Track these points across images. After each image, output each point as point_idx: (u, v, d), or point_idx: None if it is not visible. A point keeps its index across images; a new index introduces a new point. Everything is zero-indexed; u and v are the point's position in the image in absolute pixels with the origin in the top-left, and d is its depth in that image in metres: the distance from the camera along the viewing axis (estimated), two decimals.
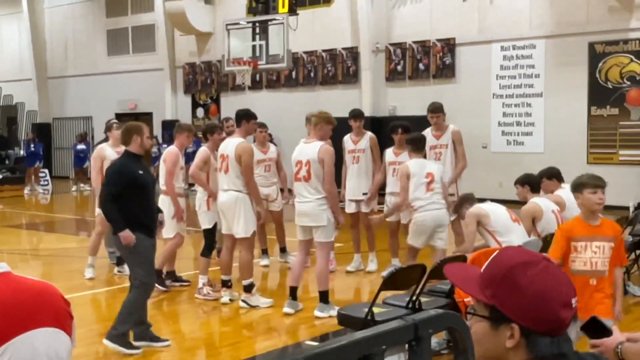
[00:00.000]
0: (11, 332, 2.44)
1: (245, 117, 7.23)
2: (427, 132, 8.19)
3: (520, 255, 1.49)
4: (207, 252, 7.58)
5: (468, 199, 6.44)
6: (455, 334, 1.39)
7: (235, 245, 7.25)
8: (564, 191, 7.03)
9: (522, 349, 1.43)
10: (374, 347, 1.13)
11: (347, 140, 8.61)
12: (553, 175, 7.11)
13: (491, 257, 1.51)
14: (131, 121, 7.44)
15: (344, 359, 1.09)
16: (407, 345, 1.27)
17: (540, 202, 6.45)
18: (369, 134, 8.65)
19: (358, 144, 8.55)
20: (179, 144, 7.92)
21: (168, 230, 7.74)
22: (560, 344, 1.43)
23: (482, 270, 1.51)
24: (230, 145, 7.07)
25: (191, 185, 15.13)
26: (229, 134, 7.92)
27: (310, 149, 6.66)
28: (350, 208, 8.61)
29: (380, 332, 1.17)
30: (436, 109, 8.20)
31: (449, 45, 16.99)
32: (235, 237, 7.11)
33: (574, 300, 1.44)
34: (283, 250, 9.32)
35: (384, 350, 1.15)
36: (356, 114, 8.76)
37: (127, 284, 8.26)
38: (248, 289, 7.13)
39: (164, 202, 7.73)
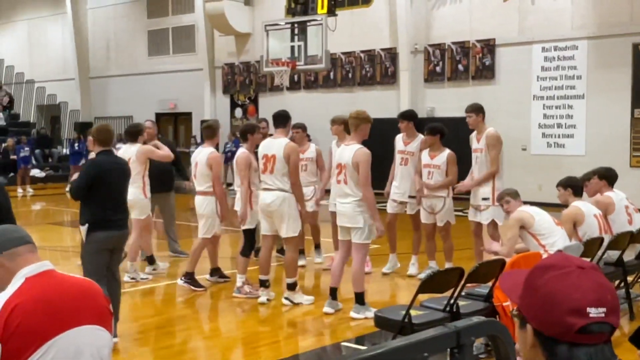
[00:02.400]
0: (55, 329, 2.50)
1: (287, 118, 7.36)
2: (473, 136, 8.12)
3: (552, 259, 1.49)
4: (247, 251, 7.63)
5: (510, 193, 6.34)
6: (497, 341, 1.38)
7: (274, 245, 7.34)
8: (614, 194, 6.94)
9: (540, 352, 1.42)
10: (416, 355, 1.12)
11: (399, 140, 8.57)
12: (606, 177, 7.02)
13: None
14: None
15: None
16: (448, 353, 1.27)
17: (582, 206, 6.36)
18: (420, 136, 8.53)
19: (408, 145, 8.50)
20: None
21: (202, 229, 7.83)
22: (576, 353, 1.38)
23: None
24: (276, 145, 7.10)
25: (229, 185, 15.25)
26: (263, 136, 7.98)
27: (347, 153, 6.66)
28: (391, 208, 8.58)
29: (422, 339, 1.16)
30: (468, 107, 8.06)
31: (489, 46, 16.83)
32: (280, 237, 7.19)
33: (592, 310, 1.37)
34: (317, 247, 9.37)
35: (426, 357, 1.15)
36: (402, 114, 8.77)
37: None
38: (292, 286, 7.18)
39: (202, 202, 7.81)
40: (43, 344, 2.45)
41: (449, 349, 1.26)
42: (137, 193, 8.07)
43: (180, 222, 10.96)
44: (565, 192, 6.58)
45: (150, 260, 8.84)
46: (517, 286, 1.48)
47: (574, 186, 6.59)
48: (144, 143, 8.45)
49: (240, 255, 7.65)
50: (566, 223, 6.27)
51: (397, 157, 8.55)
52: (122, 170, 5.97)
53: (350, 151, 6.63)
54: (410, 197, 8.42)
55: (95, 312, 2.63)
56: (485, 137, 7.87)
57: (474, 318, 1.34)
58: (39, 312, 2.47)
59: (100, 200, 5.68)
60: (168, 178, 9.47)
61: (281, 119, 7.33)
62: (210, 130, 8.13)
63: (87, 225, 5.62)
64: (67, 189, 6.02)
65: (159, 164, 8.71)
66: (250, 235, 7.62)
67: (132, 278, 8.32)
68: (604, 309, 1.39)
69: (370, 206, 6.58)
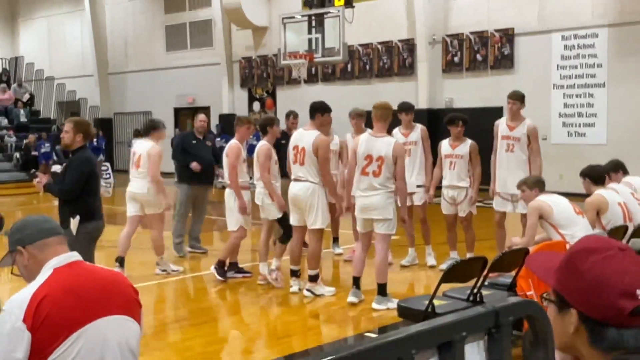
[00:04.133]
0: (84, 319, 2.52)
1: (320, 109, 7.28)
2: (502, 121, 8.06)
3: (590, 241, 1.48)
4: (284, 238, 7.70)
5: (526, 182, 6.27)
6: (535, 322, 1.37)
7: (304, 235, 7.35)
8: (634, 178, 6.88)
9: (584, 337, 1.42)
10: (455, 334, 1.12)
11: (397, 133, 8.46)
12: (618, 167, 6.97)
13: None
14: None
15: (426, 344, 1.09)
16: (486, 333, 1.26)
17: (606, 194, 6.30)
18: (419, 126, 8.58)
19: (409, 136, 8.46)
20: (239, 137, 7.99)
21: (232, 223, 7.85)
22: (625, 335, 1.39)
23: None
24: (307, 137, 7.10)
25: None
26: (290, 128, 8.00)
27: (383, 146, 6.61)
28: (419, 200, 8.55)
29: (462, 319, 1.16)
30: (512, 95, 7.95)
31: (508, 36, 16.70)
32: (308, 228, 7.19)
33: None
34: (335, 240, 9.36)
35: (464, 337, 1.14)
36: (407, 106, 8.65)
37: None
38: (314, 278, 7.20)
39: (229, 195, 7.84)
40: (72, 333, 2.47)
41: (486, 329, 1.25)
42: (152, 188, 8.13)
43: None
44: (584, 181, 6.57)
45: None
46: (549, 269, 1.48)
47: (592, 175, 6.55)
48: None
49: (278, 242, 7.86)
50: (589, 211, 6.21)
51: None
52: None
53: (387, 144, 6.61)
54: (417, 186, 8.39)
55: (123, 302, 2.65)
56: (527, 128, 7.85)
57: (511, 298, 1.33)
58: (68, 303, 2.49)
59: (90, 192, 5.80)
60: (210, 172, 9.54)
61: (313, 110, 7.32)
62: (237, 122, 8.18)
63: (78, 217, 5.67)
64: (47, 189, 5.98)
65: (203, 156, 8.78)
66: (285, 222, 7.60)
67: (164, 270, 8.40)
68: None
69: (405, 197, 6.88)
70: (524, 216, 7.72)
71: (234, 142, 7.98)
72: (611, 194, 6.36)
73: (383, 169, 6.57)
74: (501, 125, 8.00)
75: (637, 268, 1.43)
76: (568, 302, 1.44)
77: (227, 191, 7.90)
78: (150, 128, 8.46)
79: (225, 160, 7.92)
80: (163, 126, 8.63)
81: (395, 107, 7.24)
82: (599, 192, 6.30)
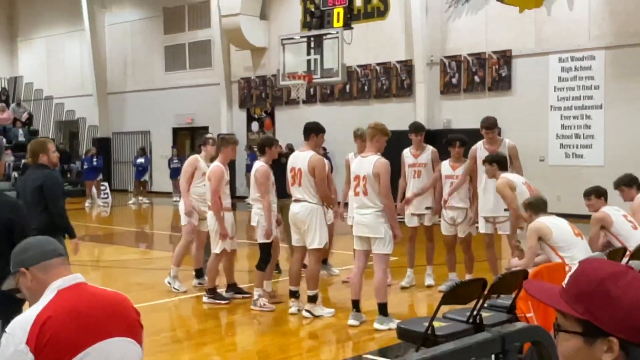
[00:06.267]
0: (86, 341, 2.52)
1: (315, 130, 7.36)
2: (479, 146, 8.07)
3: (607, 266, 1.46)
4: (262, 265, 7.61)
5: (532, 206, 6.31)
6: (541, 348, 1.38)
7: (304, 256, 7.32)
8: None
9: None
10: None
11: (407, 154, 8.51)
12: (633, 181, 7.14)
13: (573, 271, 1.48)
14: (37, 138, 7.30)
15: None
16: (493, 358, 1.27)
17: (609, 210, 6.52)
18: (430, 147, 8.56)
19: (419, 157, 8.47)
20: (223, 158, 7.87)
21: (214, 246, 7.81)
22: None
23: (565, 284, 1.48)
24: (302, 158, 7.19)
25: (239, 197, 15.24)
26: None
27: (366, 164, 6.70)
28: (412, 222, 8.56)
29: (468, 345, 1.17)
30: (491, 124, 8.02)
31: (505, 57, 16.82)
32: (307, 248, 7.18)
33: None
34: (325, 262, 9.28)
35: None
36: (417, 127, 8.63)
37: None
38: (313, 299, 7.18)
39: (211, 218, 7.77)
40: (75, 355, 2.47)
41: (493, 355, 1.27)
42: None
43: None
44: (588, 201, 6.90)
45: (199, 273, 8.73)
46: (555, 296, 1.46)
47: (590, 193, 6.87)
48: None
49: (256, 269, 7.66)
50: (593, 227, 6.52)
51: (409, 171, 8.50)
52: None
53: (369, 162, 6.67)
54: (426, 208, 8.42)
55: (126, 324, 2.66)
56: (507, 148, 7.91)
57: (517, 324, 1.34)
58: (71, 324, 2.50)
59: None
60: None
61: (308, 130, 7.36)
62: (221, 142, 8.13)
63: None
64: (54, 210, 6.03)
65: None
66: (267, 249, 7.62)
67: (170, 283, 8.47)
68: None
69: (392, 215, 6.72)
70: (508, 237, 7.79)
71: (216, 164, 7.81)
72: (613, 210, 6.61)
73: (368, 187, 6.65)
74: (479, 150, 8.00)
75: None
76: (604, 330, 1.40)
77: (210, 214, 7.82)
78: (264, 146, 7.86)
79: (207, 184, 7.82)
80: (212, 144, 8.68)
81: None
82: (603, 210, 6.54)
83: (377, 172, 6.59)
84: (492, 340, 1.22)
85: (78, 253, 6.13)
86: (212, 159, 8.40)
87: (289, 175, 7.31)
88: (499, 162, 7.36)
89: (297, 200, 7.22)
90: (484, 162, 7.58)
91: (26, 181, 5.93)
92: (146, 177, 22.17)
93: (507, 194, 7.01)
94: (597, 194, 6.90)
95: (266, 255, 7.63)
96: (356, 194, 6.80)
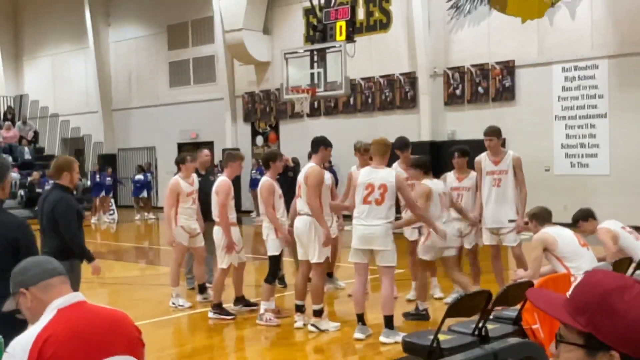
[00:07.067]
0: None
1: (323, 143, 7.36)
2: (484, 157, 8.02)
3: (613, 279, 1.43)
4: (271, 278, 7.60)
5: (538, 217, 6.29)
6: None
7: (309, 270, 7.29)
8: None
9: None
10: None
11: (451, 177, 8.27)
12: (588, 215, 7.09)
13: (577, 282, 1.46)
14: (63, 156, 7.05)
15: None
16: None
17: (611, 225, 6.42)
18: (474, 173, 8.20)
19: (462, 181, 8.23)
20: (230, 172, 7.90)
21: (221, 260, 7.82)
22: None
23: (569, 295, 1.46)
24: (303, 171, 7.25)
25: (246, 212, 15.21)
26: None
27: (385, 174, 6.69)
28: (413, 236, 8.52)
29: None
30: (490, 131, 7.96)
31: (508, 68, 16.82)
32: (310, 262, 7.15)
33: None
34: (330, 275, 9.23)
35: None
36: (462, 150, 8.29)
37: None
38: (318, 313, 7.15)
39: (217, 232, 7.80)
40: None
41: None
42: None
43: None
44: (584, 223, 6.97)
45: (202, 289, 8.78)
46: (558, 306, 1.43)
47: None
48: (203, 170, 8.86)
49: (264, 283, 7.64)
50: (605, 236, 6.56)
51: (488, 179, 8.17)
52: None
53: (387, 173, 6.70)
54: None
55: (126, 342, 2.65)
56: (512, 159, 7.83)
57: (509, 339, 1.33)
58: (72, 343, 2.49)
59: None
60: None
61: (316, 144, 7.36)
62: (228, 157, 8.15)
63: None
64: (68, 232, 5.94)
65: (207, 192, 8.22)
66: (275, 262, 7.60)
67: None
68: None
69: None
70: (514, 248, 7.75)
71: (223, 179, 7.84)
72: (615, 223, 6.54)
73: (386, 196, 6.58)
74: (484, 162, 7.90)
75: None
76: (606, 344, 1.37)
77: (216, 228, 7.83)
78: (269, 161, 7.78)
79: (214, 198, 7.81)
80: (190, 160, 8.73)
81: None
82: (603, 226, 6.45)
83: (399, 186, 6.66)
84: (484, 356, 1.21)
85: (99, 274, 6.04)
86: (196, 170, 8.79)
87: (297, 189, 7.35)
88: (422, 166, 7.42)
89: (299, 214, 7.22)
90: (410, 166, 7.66)
91: (43, 203, 5.91)
92: (144, 193, 22.20)
93: (537, 255, 6.09)
94: (584, 217, 6.95)
95: (275, 269, 7.60)
96: (367, 202, 6.65)
